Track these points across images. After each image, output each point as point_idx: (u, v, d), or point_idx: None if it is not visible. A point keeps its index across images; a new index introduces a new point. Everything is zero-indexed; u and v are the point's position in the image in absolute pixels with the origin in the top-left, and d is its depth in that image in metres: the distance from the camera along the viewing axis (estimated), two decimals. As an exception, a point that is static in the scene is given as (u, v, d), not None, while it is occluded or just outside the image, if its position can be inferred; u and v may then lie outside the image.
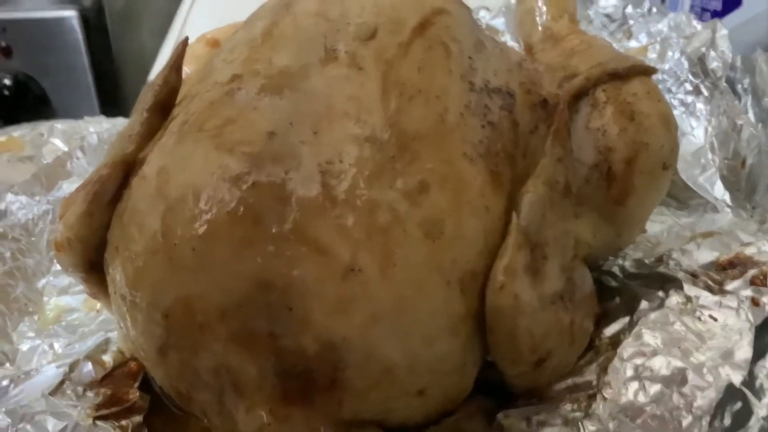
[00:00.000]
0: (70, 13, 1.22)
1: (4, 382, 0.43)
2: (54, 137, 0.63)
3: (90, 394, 0.42)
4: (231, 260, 0.36)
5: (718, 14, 0.76)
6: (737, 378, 0.37)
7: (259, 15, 0.46)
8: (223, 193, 0.37)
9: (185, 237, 0.37)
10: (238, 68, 0.42)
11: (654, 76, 0.48)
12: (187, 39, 0.47)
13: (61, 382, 0.42)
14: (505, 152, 0.42)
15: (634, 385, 0.37)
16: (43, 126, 0.64)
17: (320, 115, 0.39)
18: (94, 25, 1.25)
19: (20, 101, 1.22)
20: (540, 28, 0.55)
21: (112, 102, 1.24)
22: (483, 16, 0.74)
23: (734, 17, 0.75)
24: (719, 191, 0.55)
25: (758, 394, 0.37)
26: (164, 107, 0.44)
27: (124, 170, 0.41)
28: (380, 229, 0.36)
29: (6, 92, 1.22)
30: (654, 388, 0.37)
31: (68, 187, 0.57)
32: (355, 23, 0.42)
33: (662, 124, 0.45)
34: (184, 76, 0.46)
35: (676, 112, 0.59)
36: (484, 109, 0.42)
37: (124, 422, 0.40)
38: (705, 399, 0.36)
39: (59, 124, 0.64)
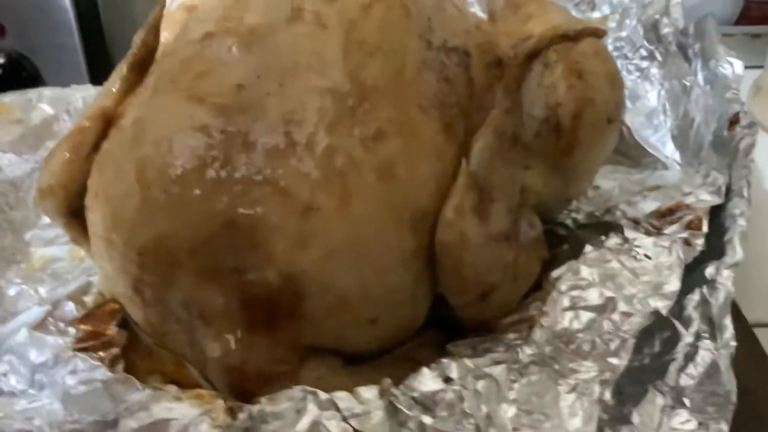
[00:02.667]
0: (63, -7, 1.23)
1: (-8, 321, 0.46)
2: (42, 102, 0.65)
3: (71, 330, 0.45)
4: (200, 201, 0.39)
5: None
6: (664, 307, 0.40)
7: (231, -22, 0.49)
8: (194, 140, 0.40)
9: (158, 180, 0.40)
10: (211, 26, 0.44)
11: (612, 43, 0.51)
12: (164, 1, 0.49)
13: (44, 319, 0.45)
14: (459, 106, 0.45)
15: (570, 314, 0.40)
16: (31, 93, 0.66)
17: (286, 69, 0.42)
18: (86, 4, 1.27)
19: (14, 79, 1.24)
20: (502, -4, 0.58)
21: (104, 79, 1.26)
22: (455, -13, 0.76)
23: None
24: (670, 150, 0.58)
25: (686, 323, 0.40)
26: (142, 66, 0.47)
27: (104, 123, 0.44)
28: (337, 171, 0.39)
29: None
30: (587, 316, 0.40)
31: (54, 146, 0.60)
32: (320, -15, 0.45)
33: (608, 81, 0.48)
34: (162, 40, 0.49)
35: (631, 77, 0.63)
36: (440, 65, 0.45)
37: (102, 354, 0.43)
38: (632, 324, 0.39)
39: (47, 91, 0.67)
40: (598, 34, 0.50)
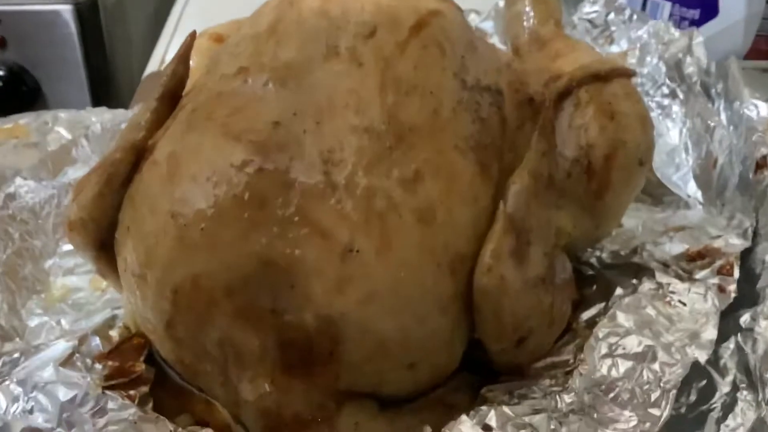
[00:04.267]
0: (65, 7, 1.22)
1: (15, 355, 0.45)
2: (58, 126, 0.64)
3: (98, 366, 0.44)
4: (237, 240, 0.39)
5: (696, 23, 0.79)
6: (703, 357, 0.40)
7: (263, 12, 0.48)
8: (230, 177, 0.40)
9: (194, 218, 0.40)
10: (245, 61, 0.44)
11: (633, 80, 0.51)
12: (195, 32, 0.49)
13: (71, 355, 0.44)
14: (494, 146, 0.45)
15: (608, 362, 0.40)
16: (47, 115, 0.66)
17: (322, 106, 0.41)
18: (88, 19, 1.26)
19: (13, 93, 1.23)
20: (527, 32, 0.58)
21: (104, 95, 1.25)
22: (473, 19, 0.77)
23: (711, 26, 0.79)
24: (692, 189, 0.58)
25: (722, 372, 0.40)
26: (173, 97, 0.47)
27: (135, 155, 0.44)
28: (377, 214, 0.39)
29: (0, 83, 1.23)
30: (626, 365, 0.40)
31: (73, 173, 0.59)
32: (355, 22, 0.44)
33: (639, 123, 0.48)
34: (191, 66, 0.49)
35: (653, 114, 0.63)
36: (475, 105, 0.45)
37: (131, 392, 0.42)
38: (673, 375, 0.39)
39: (62, 114, 0.66)
40: (628, 74, 0.50)
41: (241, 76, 0.43)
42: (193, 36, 0.49)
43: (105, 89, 1.26)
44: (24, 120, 0.65)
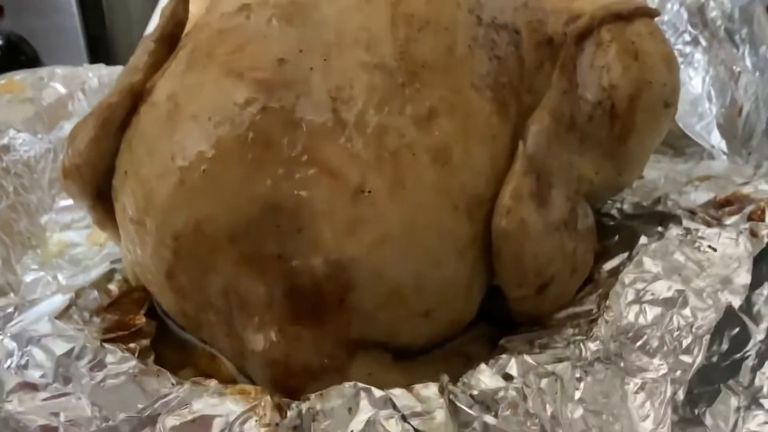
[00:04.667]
0: (63, -25, 1.21)
1: (9, 309, 0.43)
2: (54, 81, 0.62)
3: (96, 319, 0.42)
4: (241, 183, 0.37)
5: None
6: (736, 302, 0.37)
7: (266, -47, 0.46)
8: (233, 117, 0.37)
9: (196, 160, 0.37)
10: (247, -2, 0.42)
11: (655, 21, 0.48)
12: (194, -28, 0.47)
13: (67, 308, 0.42)
14: (511, 86, 0.42)
15: (635, 309, 0.38)
16: (43, 71, 0.64)
17: (330, 43, 0.39)
18: (86, -15, 1.24)
19: (11, 61, 1.21)
20: (543, -25, 0.55)
21: (103, 62, 1.23)
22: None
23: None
24: (716, 139, 0.56)
25: (756, 319, 0.38)
26: (171, 39, 0.44)
27: (133, 98, 0.42)
28: (390, 153, 0.37)
29: (-2, 52, 1.21)
30: (654, 311, 0.37)
31: (69, 126, 0.56)
32: (365, -43, 0.42)
33: (665, 63, 0.46)
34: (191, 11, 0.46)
35: (674, 63, 0.60)
36: (491, 43, 0.42)
37: (131, 345, 0.40)
38: (705, 320, 0.37)
39: (59, 70, 0.64)
40: (652, 14, 0.48)
41: (243, 12, 0.41)
42: (192, -25, 0.46)
43: (104, 57, 1.24)
44: (19, 76, 0.62)
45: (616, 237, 0.47)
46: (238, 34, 0.40)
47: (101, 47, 1.31)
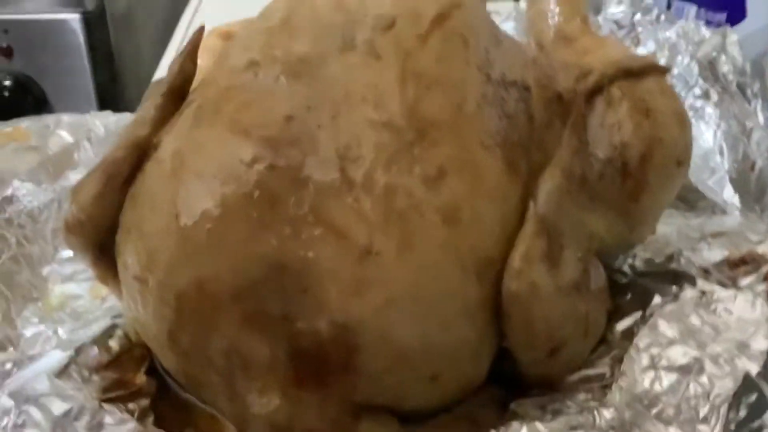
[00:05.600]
0: (73, 16, 1.21)
1: (8, 365, 0.42)
2: (60, 129, 0.62)
3: (96, 377, 0.41)
4: (246, 241, 0.36)
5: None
6: (754, 368, 0.36)
7: (274, 6, 0.46)
8: (239, 175, 0.37)
9: (200, 218, 0.37)
10: (256, 54, 0.41)
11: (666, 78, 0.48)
12: (203, 27, 0.46)
13: (67, 365, 0.41)
14: (521, 144, 0.42)
15: (650, 375, 0.37)
16: (49, 118, 0.63)
17: (338, 100, 0.39)
18: (96, 28, 1.24)
19: (20, 102, 1.22)
20: (552, 29, 0.55)
21: (112, 105, 1.23)
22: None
23: (738, 30, 0.75)
24: (728, 194, 0.55)
25: (774, 388, 0.37)
26: (179, 94, 0.44)
27: (138, 153, 0.41)
28: (398, 213, 0.36)
29: (6, 93, 1.21)
30: (670, 378, 0.36)
31: (75, 177, 0.56)
32: (374, 14, 0.42)
33: (677, 120, 0.45)
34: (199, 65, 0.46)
35: (685, 116, 0.60)
36: (501, 100, 0.42)
37: (131, 405, 0.39)
38: (723, 388, 0.36)
39: (65, 117, 0.63)
40: (662, 70, 0.48)
41: (251, 69, 0.41)
42: (200, 31, 0.46)
43: (113, 99, 1.25)
44: (25, 123, 0.62)
45: (629, 295, 0.46)
46: (245, 91, 0.40)
47: (110, 89, 1.31)
